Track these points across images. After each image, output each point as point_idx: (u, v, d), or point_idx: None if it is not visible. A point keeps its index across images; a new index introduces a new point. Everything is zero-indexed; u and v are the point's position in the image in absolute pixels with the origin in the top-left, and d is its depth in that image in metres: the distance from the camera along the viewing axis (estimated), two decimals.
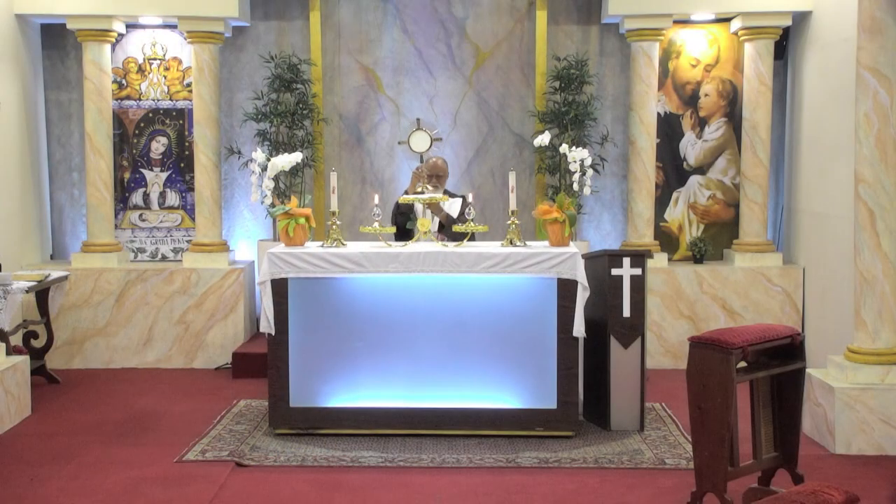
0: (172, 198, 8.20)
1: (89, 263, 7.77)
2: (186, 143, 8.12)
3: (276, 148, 7.91)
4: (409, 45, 8.38)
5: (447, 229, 6.53)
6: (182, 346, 7.79)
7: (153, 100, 8.15)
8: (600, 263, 5.98)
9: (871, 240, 5.53)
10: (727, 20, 7.92)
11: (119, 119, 8.10)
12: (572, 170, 7.53)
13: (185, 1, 7.64)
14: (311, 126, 8.20)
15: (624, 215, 8.31)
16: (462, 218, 6.43)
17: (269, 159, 7.34)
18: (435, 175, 6.75)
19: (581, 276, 5.64)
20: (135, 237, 8.19)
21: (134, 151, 8.17)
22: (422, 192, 6.39)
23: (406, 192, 6.89)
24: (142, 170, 8.17)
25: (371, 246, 5.90)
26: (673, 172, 8.14)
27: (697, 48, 8.04)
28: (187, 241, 8.15)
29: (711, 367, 4.34)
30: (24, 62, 7.82)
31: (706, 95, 8.06)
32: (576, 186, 7.55)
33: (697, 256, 7.97)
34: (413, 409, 5.79)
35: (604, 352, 5.96)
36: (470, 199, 6.24)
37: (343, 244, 5.90)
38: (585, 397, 6.16)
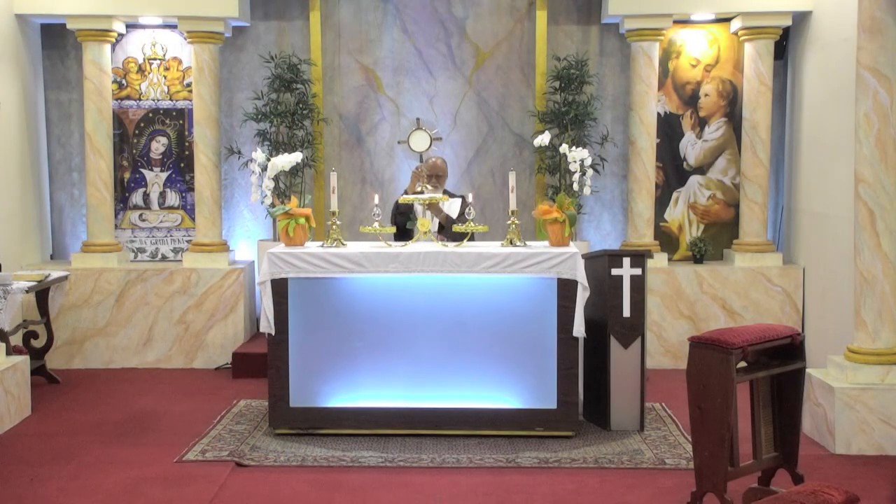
0: (172, 198, 8.20)
1: (89, 263, 7.78)
2: (186, 143, 8.13)
3: (276, 148, 7.91)
4: (409, 45, 8.38)
5: (447, 230, 6.52)
6: (182, 346, 7.79)
7: (153, 100, 8.15)
8: (600, 263, 5.98)
9: (871, 240, 5.53)
10: (727, 20, 7.92)
11: (119, 119, 8.11)
12: (572, 170, 7.53)
13: (185, 1, 7.64)
14: (311, 126, 8.21)
15: (624, 215, 8.31)
16: (462, 218, 6.43)
17: (269, 159, 7.34)
18: (434, 175, 6.75)
19: (581, 276, 5.64)
20: (135, 237, 8.19)
21: (134, 151, 8.17)
22: (421, 192, 6.38)
23: (406, 192, 6.88)
24: (142, 170, 8.17)
25: (371, 246, 5.90)
26: (673, 172, 8.14)
27: (697, 48, 8.04)
28: (187, 241, 8.16)
29: (711, 367, 4.34)
30: (24, 62, 7.82)
31: (706, 95, 8.07)
32: (576, 186, 7.55)
33: (697, 256, 7.97)
34: (413, 409, 5.79)
35: (604, 352, 5.96)
36: (470, 199, 6.24)
37: (343, 244, 5.90)
38: (585, 397, 6.16)
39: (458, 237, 6.05)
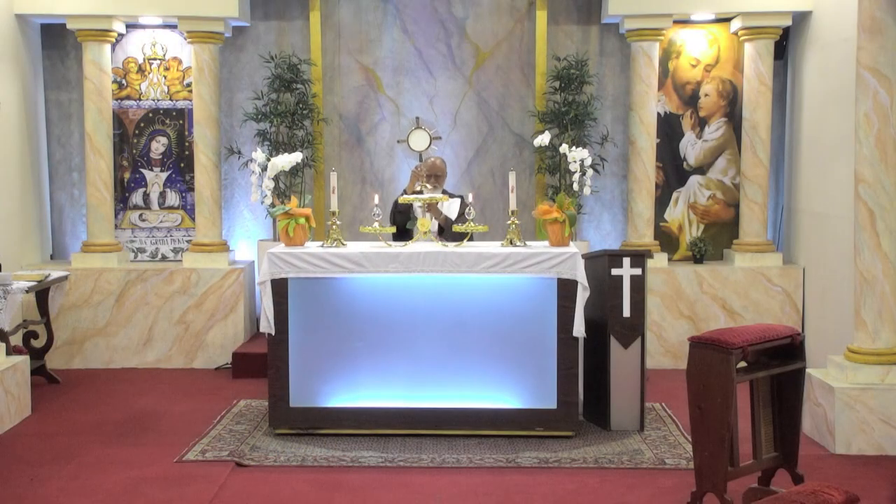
0: (172, 198, 8.20)
1: (89, 263, 7.78)
2: (186, 143, 8.13)
3: (276, 148, 7.91)
4: (409, 45, 8.38)
5: (446, 232, 6.51)
6: (182, 346, 7.79)
7: (153, 100, 8.15)
8: (600, 263, 5.98)
9: (871, 240, 5.53)
10: (727, 20, 7.92)
11: (119, 119, 8.11)
12: (572, 170, 7.53)
13: (185, 1, 7.64)
14: (311, 126, 8.21)
15: (624, 215, 8.31)
16: (462, 218, 6.43)
17: (269, 159, 7.34)
18: (433, 175, 6.74)
19: (581, 276, 5.64)
20: (135, 237, 8.19)
21: (134, 151, 8.17)
22: (420, 192, 6.38)
23: (405, 192, 6.88)
24: (142, 170, 8.17)
25: (371, 246, 5.90)
26: (673, 172, 8.14)
27: (697, 48, 8.04)
28: (187, 241, 8.16)
29: (711, 367, 4.34)
30: (24, 62, 7.82)
31: (706, 95, 8.07)
32: (576, 186, 7.55)
33: (697, 256, 7.97)
34: (413, 409, 5.79)
35: (604, 352, 5.96)
36: (469, 199, 6.24)
37: (343, 244, 5.90)
38: (585, 397, 6.16)
39: (458, 237, 6.05)
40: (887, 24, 5.42)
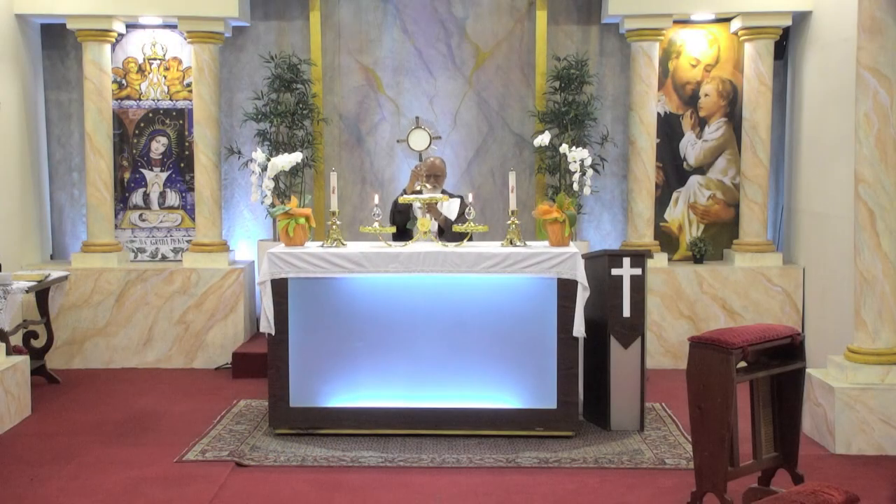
0: (172, 198, 8.20)
1: (89, 263, 7.78)
2: (186, 143, 8.13)
3: (276, 148, 7.91)
4: (409, 45, 8.38)
5: (446, 233, 6.51)
6: (182, 346, 7.79)
7: (153, 100, 8.15)
8: (600, 263, 5.98)
9: (871, 240, 5.53)
10: (727, 20, 7.92)
11: (119, 119, 8.11)
12: (572, 170, 7.53)
13: (185, 1, 7.64)
14: (311, 126, 8.21)
15: (624, 215, 8.31)
16: (462, 218, 6.43)
17: (269, 159, 7.34)
18: (433, 175, 6.74)
19: (581, 276, 5.64)
20: (135, 237, 8.19)
21: (134, 151, 8.17)
22: (420, 192, 6.38)
23: (405, 191, 6.88)
24: (142, 170, 8.17)
25: (371, 246, 5.90)
26: (673, 172, 8.14)
27: (697, 48, 8.04)
28: (187, 241, 8.16)
29: (711, 367, 4.34)
30: (24, 62, 7.82)
31: (706, 95, 8.07)
32: (576, 186, 7.55)
33: (697, 256, 7.97)
34: (413, 409, 5.79)
35: (604, 352, 5.96)
36: (469, 199, 6.24)
37: (343, 244, 5.90)
38: (585, 397, 6.16)
39: (458, 237, 6.05)
40: (887, 24, 5.42)
